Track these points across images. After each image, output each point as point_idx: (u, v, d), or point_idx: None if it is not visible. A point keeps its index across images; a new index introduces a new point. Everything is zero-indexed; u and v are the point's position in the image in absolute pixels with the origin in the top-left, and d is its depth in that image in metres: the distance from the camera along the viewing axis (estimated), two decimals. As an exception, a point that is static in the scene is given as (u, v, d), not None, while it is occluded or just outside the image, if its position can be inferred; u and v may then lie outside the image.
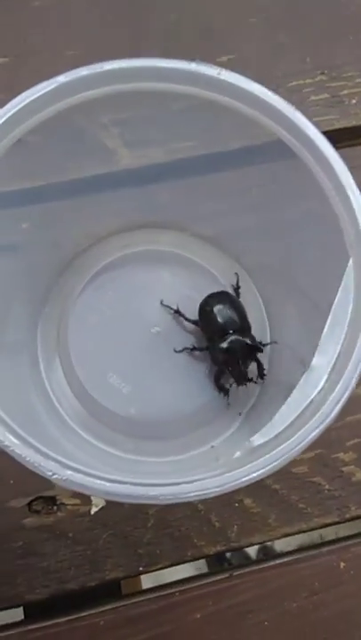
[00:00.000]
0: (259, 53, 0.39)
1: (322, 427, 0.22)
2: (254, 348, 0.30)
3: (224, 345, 0.29)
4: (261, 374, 0.30)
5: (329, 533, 0.32)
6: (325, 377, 0.23)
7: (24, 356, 0.32)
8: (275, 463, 0.20)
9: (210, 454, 0.29)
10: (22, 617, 0.29)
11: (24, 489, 0.30)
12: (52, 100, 0.25)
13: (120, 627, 0.28)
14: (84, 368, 0.31)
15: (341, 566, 0.30)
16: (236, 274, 0.33)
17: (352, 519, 0.31)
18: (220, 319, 0.30)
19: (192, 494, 0.19)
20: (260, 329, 0.33)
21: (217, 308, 0.31)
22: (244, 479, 0.19)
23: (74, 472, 0.19)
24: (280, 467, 0.21)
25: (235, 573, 0.29)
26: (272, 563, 0.30)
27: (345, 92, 0.40)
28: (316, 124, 0.25)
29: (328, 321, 0.25)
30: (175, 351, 0.31)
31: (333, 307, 0.25)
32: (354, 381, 0.23)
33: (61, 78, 0.25)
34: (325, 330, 0.25)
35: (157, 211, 0.35)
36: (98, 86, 0.26)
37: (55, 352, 0.32)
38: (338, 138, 0.28)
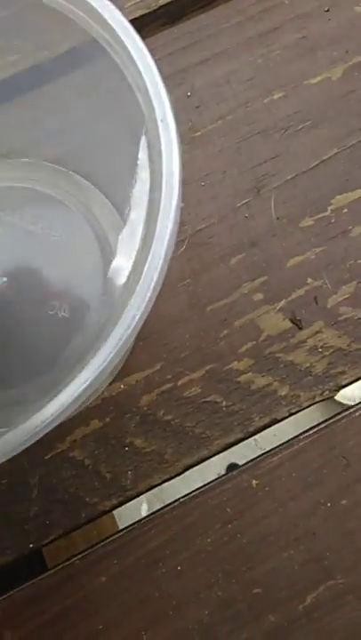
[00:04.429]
0: None
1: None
2: None
3: None
4: None
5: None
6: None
7: None
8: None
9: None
10: None
11: None
12: None
13: (17, 612, 0.26)
14: None
15: (254, 485, 0.27)
16: None
17: (257, 432, 0.27)
18: None
19: None
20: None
21: None
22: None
23: None
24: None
25: (137, 525, 0.27)
26: (174, 503, 0.27)
27: None
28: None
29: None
30: None
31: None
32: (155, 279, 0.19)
33: None
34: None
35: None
36: None
37: None
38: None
